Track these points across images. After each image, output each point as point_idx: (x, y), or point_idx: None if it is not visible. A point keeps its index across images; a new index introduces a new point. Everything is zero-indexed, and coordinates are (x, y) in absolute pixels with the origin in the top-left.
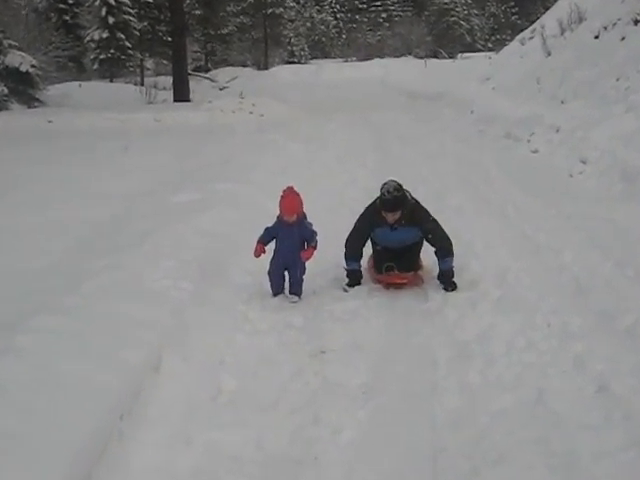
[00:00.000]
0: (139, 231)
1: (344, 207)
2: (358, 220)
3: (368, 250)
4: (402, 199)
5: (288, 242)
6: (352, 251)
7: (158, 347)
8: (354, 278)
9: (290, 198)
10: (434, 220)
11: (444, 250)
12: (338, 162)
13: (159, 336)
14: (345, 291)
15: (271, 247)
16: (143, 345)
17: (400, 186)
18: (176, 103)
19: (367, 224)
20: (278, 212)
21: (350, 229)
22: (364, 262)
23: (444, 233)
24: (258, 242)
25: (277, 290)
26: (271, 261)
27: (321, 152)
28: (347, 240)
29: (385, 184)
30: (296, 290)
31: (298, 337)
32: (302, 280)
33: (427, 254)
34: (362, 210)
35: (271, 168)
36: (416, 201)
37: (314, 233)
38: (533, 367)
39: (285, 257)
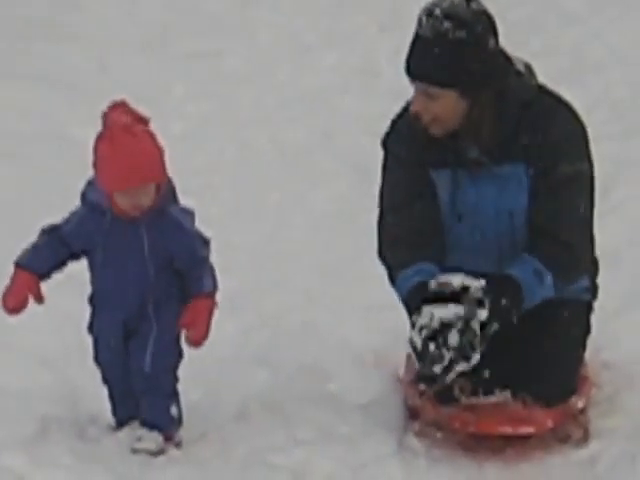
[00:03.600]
0: None
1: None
2: (385, 165)
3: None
4: (466, 52)
5: (132, 267)
6: (402, 243)
7: None
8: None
9: (125, 142)
10: (579, 173)
11: (552, 249)
12: None
13: None
14: (418, 355)
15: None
16: None
17: (470, 18)
18: None
19: (410, 164)
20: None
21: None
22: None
23: (579, 213)
24: (17, 265)
25: (126, 409)
26: (90, 326)
27: None
28: (379, 226)
29: None
30: (155, 414)
31: None
32: (172, 379)
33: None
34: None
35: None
36: (549, 93)
37: (203, 245)
38: None
39: (127, 310)
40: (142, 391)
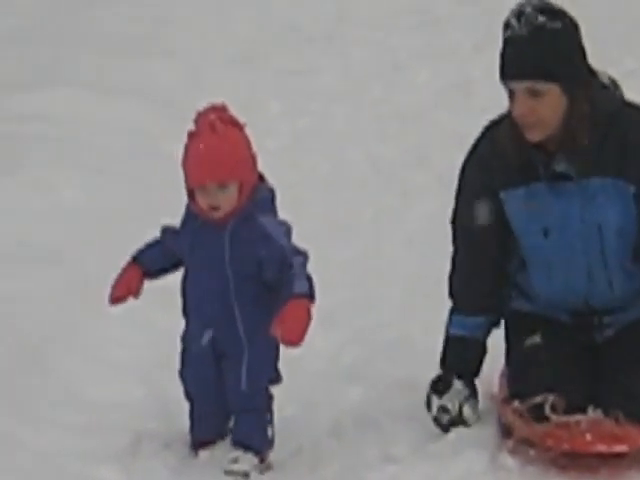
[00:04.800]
0: None
1: None
2: (459, 193)
3: None
4: (564, 42)
5: (213, 276)
6: (463, 287)
7: None
8: (459, 359)
9: (206, 139)
10: None
11: None
12: None
13: None
14: (430, 408)
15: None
16: None
17: (560, 11)
18: None
19: (482, 190)
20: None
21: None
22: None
23: None
24: (133, 259)
25: (206, 428)
26: (183, 337)
27: None
28: (453, 261)
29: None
30: (252, 434)
31: None
32: (267, 398)
33: None
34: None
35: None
36: (635, 106)
37: (297, 255)
38: None
39: (212, 322)
40: (239, 411)
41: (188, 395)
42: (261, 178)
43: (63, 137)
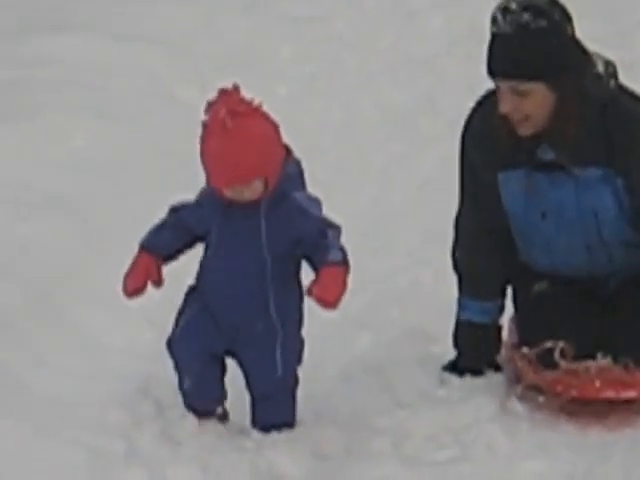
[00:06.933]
0: None
1: None
2: (461, 169)
3: None
4: (550, 40)
5: (248, 258)
6: (469, 265)
7: None
8: (471, 347)
9: (224, 143)
10: None
11: None
12: None
13: None
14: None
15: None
16: None
17: (547, 6)
18: None
19: (484, 168)
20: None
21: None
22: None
23: None
24: (142, 247)
25: (203, 400)
26: (183, 310)
27: None
28: (456, 229)
29: None
30: (282, 416)
31: None
32: (296, 379)
33: None
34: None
35: None
36: (629, 94)
37: (331, 227)
38: None
39: (242, 301)
40: (271, 394)
41: (178, 364)
42: (287, 150)
43: (75, 82)
